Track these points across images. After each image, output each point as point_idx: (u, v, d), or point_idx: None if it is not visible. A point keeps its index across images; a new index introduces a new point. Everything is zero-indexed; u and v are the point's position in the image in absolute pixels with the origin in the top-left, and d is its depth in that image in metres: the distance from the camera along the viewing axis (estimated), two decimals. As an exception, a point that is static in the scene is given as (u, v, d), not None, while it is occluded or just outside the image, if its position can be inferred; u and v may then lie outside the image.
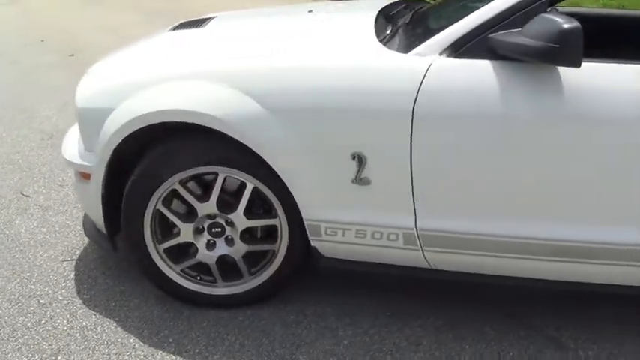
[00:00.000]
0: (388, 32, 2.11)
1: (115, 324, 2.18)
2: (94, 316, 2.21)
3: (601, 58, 1.82)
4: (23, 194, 3.07)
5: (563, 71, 1.74)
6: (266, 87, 1.93)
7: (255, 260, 2.19)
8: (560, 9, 3.37)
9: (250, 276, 2.19)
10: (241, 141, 1.93)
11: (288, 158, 1.93)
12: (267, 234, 2.16)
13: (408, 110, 1.80)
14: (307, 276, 2.22)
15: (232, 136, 1.93)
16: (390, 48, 1.94)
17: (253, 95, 1.92)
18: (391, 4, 2.58)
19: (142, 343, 2.09)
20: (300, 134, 1.90)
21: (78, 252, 2.57)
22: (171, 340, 2.10)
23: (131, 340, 2.10)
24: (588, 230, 1.85)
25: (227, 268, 2.19)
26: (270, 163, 1.94)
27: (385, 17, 2.35)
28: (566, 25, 1.63)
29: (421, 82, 1.80)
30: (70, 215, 2.85)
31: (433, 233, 1.93)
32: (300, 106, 1.89)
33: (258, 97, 1.91)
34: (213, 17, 2.71)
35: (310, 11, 2.60)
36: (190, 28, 2.59)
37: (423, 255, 1.98)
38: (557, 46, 1.64)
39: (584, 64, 1.71)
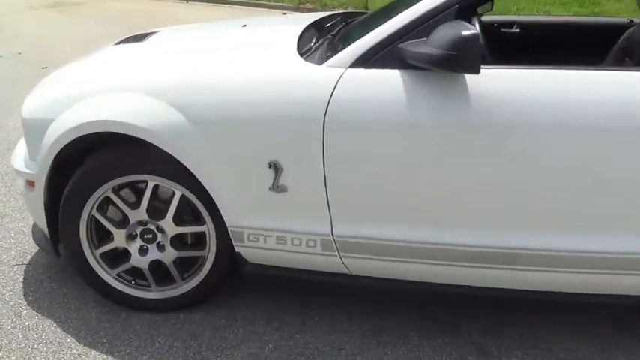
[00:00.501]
0: (312, 45, 2.17)
1: (55, 324, 2.25)
2: (36, 317, 2.29)
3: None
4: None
5: (467, 78, 1.79)
6: (189, 99, 1.99)
7: (187, 266, 2.25)
8: (509, 16, 3.44)
9: (182, 281, 2.26)
10: (167, 150, 2.00)
11: (210, 167, 2.00)
12: (197, 240, 2.22)
13: (319, 120, 1.86)
14: (241, 281, 2.27)
15: (158, 145, 2.01)
16: (309, 60, 1.99)
17: (178, 107, 1.99)
18: (328, 16, 2.64)
19: (77, 343, 2.16)
20: (220, 144, 1.96)
21: (29, 257, 2.66)
22: (105, 340, 2.17)
23: (68, 340, 2.18)
24: (498, 236, 1.89)
25: (161, 273, 2.26)
26: (193, 172, 2.01)
27: (317, 30, 2.41)
28: (464, 33, 1.68)
29: (332, 93, 1.86)
30: (26, 222, 2.95)
31: (349, 239, 1.98)
32: (219, 117, 1.96)
33: (181, 109, 1.98)
34: (156, 32, 2.79)
35: (244, 25, 2.67)
36: (132, 42, 2.68)
37: (342, 261, 2.03)
38: (455, 53, 1.69)
39: (486, 71, 1.76)
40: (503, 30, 3.16)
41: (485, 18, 3.19)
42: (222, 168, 1.99)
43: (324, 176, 1.91)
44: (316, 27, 2.45)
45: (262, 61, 2.08)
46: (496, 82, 1.80)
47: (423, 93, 1.82)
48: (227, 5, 11.81)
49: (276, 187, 1.96)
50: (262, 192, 1.97)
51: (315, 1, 11.17)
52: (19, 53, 6.69)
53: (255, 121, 1.92)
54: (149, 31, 2.85)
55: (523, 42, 3.08)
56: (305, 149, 1.90)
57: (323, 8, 10.52)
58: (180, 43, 2.64)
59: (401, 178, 1.88)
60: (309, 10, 10.22)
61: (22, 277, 2.53)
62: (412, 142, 1.84)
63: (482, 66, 1.74)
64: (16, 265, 2.61)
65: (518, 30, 3.14)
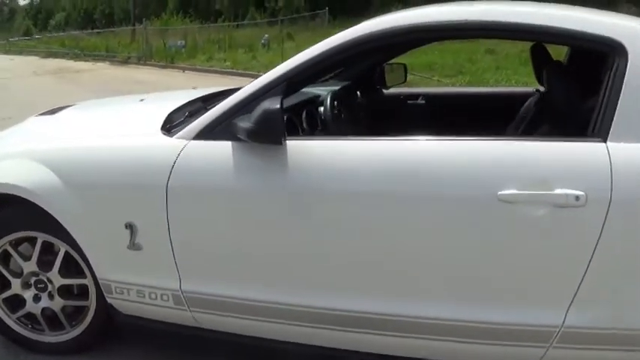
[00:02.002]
0: (179, 119, 2.39)
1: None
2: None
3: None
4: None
5: (278, 149, 1.96)
6: (64, 164, 2.26)
7: (77, 314, 2.48)
8: (416, 89, 3.64)
9: (71, 327, 2.49)
10: (46, 209, 2.26)
11: (80, 225, 2.24)
12: (83, 291, 2.45)
13: (163, 186, 2.08)
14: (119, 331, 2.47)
15: (39, 204, 2.27)
16: (166, 133, 2.22)
17: (55, 171, 2.25)
18: (217, 92, 2.89)
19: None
20: (87, 205, 2.21)
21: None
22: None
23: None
24: (333, 298, 2.02)
25: (55, 319, 2.50)
26: (68, 229, 2.25)
27: (193, 105, 2.64)
28: (266, 107, 1.88)
29: (174, 162, 2.08)
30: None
31: (195, 295, 2.17)
32: (86, 181, 2.21)
33: (58, 173, 2.24)
34: (70, 106, 3.13)
35: (142, 100, 2.95)
36: (47, 114, 3.02)
37: (192, 315, 2.21)
38: (259, 126, 1.88)
39: (294, 142, 1.94)
40: (409, 102, 3.33)
41: (393, 91, 3.38)
42: (89, 226, 2.23)
43: (170, 237, 2.11)
44: (197, 102, 2.69)
45: (126, 134, 2.33)
46: (303, 153, 1.97)
47: (244, 163, 2.02)
48: (218, 75, 13.27)
49: (133, 245, 2.18)
50: (122, 249, 2.19)
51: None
52: (10, 118, 7.04)
53: (114, 185, 2.17)
54: (64, 105, 3.18)
55: (428, 113, 3.24)
56: (152, 212, 2.12)
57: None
58: (78, 116, 2.97)
59: (232, 241, 2.07)
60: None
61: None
62: (237, 208, 2.03)
63: (292, 138, 1.94)
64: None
65: (423, 102, 3.30)
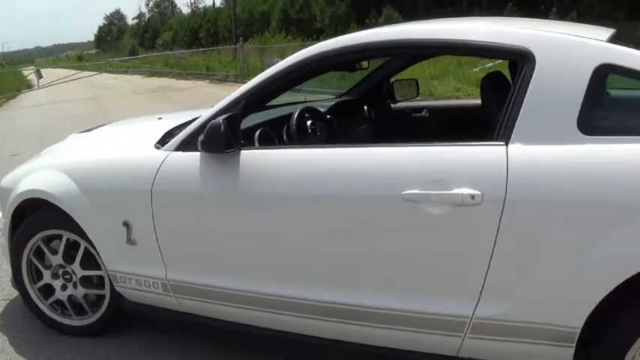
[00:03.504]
0: (177, 133, 2.76)
1: (15, 344, 2.99)
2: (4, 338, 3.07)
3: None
4: None
5: (225, 158, 2.29)
6: (79, 174, 2.71)
7: (96, 301, 2.92)
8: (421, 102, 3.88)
9: (92, 313, 2.92)
10: (68, 212, 2.72)
11: (91, 224, 2.67)
12: (100, 282, 2.88)
13: (148, 190, 2.46)
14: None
15: (61, 207, 2.73)
16: (158, 147, 2.60)
17: (74, 179, 2.70)
18: None
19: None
20: (95, 207, 2.63)
21: (15, 294, 3.47)
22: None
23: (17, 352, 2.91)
24: (289, 287, 2.31)
25: (79, 306, 2.95)
26: (82, 227, 2.69)
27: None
28: (212, 122, 2.23)
29: (158, 170, 2.46)
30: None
31: (178, 284, 2.52)
32: (94, 187, 2.64)
33: (75, 181, 2.69)
34: (105, 124, 3.59)
35: (160, 118, 3.37)
36: (84, 132, 3.50)
37: (177, 301, 2.56)
38: (207, 138, 2.23)
39: (247, 152, 2.27)
40: (414, 115, 3.56)
41: (399, 105, 3.63)
42: (98, 225, 2.65)
43: (155, 234, 2.49)
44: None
45: (128, 148, 2.75)
46: (249, 160, 2.29)
47: (203, 170, 2.38)
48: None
49: (129, 241, 2.57)
50: (122, 244, 2.59)
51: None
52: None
53: (113, 190, 2.59)
54: (102, 124, 3.66)
55: (432, 124, 3.46)
56: (142, 213, 2.50)
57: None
58: (104, 133, 3.43)
59: (201, 237, 2.42)
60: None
61: (2, 309, 3.34)
62: (200, 209, 2.40)
63: (247, 147, 2.27)
64: (3, 300, 3.44)
65: (427, 114, 3.51)
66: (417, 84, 3.88)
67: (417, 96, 3.91)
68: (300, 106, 3.01)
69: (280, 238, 2.25)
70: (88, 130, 3.54)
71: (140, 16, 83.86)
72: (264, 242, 2.29)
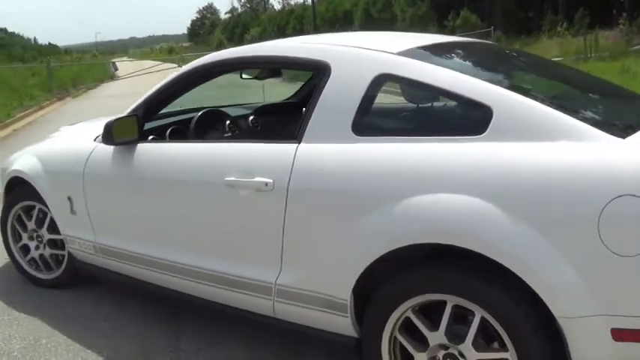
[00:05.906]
0: None
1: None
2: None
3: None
4: None
5: (125, 149, 2.98)
6: (44, 157, 3.49)
7: (60, 259, 3.68)
8: None
9: (57, 269, 3.69)
10: (36, 188, 3.50)
11: (50, 197, 3.44)
12: (62, 244, 3.62)
13: (81, 173, 3.19)
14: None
15: (33, 184, 3.51)
16: (98, 140, 3.30)
17: (42, 162, 3.49)
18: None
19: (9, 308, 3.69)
20: (52, 184, 3.40)
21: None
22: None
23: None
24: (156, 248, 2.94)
25: (47, 263, 3.73)
26: (44, 199, 3.46)
27: None
28: (107, 120, 2.92)
29: (87, 157, 3.19)
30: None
31: (102, 246, 3.22)
32: (52, 168, 3.42)
33: (42, 163, 3.48)
34: (87, 120, 4.37)
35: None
36: (70, 125, 4.29)
37: (104, 261, 3.27)
38: (104, 133, 2.94)
39: (145, 145, 2.95)
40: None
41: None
42: (54, 198, 3.42)
43: (86, 206, 3.21)
44: None
45: (77, 140, 3.51)
46: (140, 153, 2.95)
47: (110, 157, 3.06)
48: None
49: (72, 211, 3.31)
50: (68, 214, 3.33)
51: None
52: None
53: (62, 171, 3.35)
54: (86, 120, 4.45)
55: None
56: (78, 189, 3.22)
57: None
58: (78, 128, 4.14)
59: (113, 210, 3.12)
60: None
61: None
62: (108, 187, 3.11)
63: (144, 141, 2.96)
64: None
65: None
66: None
67: None
68: (207, 109, 3.65)
69: (152, 212, 2.92)
70: (72, 125, 4.35)
71: (232, 10, 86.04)
72: (145, 215, 2.96)
